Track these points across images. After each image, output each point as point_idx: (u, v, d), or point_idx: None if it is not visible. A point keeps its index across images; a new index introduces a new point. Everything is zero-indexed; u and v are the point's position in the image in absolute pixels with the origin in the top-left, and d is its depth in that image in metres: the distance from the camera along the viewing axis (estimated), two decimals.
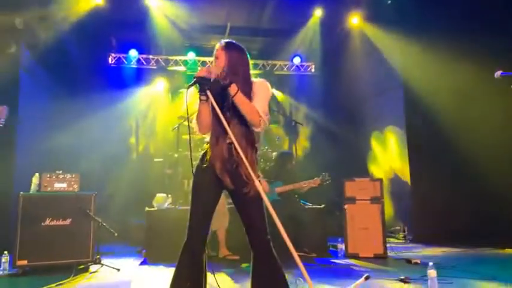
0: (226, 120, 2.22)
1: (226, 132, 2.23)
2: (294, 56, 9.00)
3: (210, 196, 2.41)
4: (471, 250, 5.44)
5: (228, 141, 2.30)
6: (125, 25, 7.66)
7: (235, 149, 2.19)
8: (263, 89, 2.41)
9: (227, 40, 2.49)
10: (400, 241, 6.55)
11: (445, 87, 6.23)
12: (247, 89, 2.35)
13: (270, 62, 9.08)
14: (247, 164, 2.14)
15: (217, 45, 2.45)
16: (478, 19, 6.15)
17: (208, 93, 2.26)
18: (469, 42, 5.86)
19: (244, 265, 4.58)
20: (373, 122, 7.99)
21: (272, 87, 9.08)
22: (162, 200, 5.47)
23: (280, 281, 2.35)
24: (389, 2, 7.07)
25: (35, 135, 6.13)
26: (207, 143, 2.42)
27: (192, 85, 2.30)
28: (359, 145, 8.31)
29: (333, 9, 7.55)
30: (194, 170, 2.40)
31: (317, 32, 8.08)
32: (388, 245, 5.13)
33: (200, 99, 2.33)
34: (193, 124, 2.45)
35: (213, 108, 2.29)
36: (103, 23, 7.23)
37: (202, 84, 2.27)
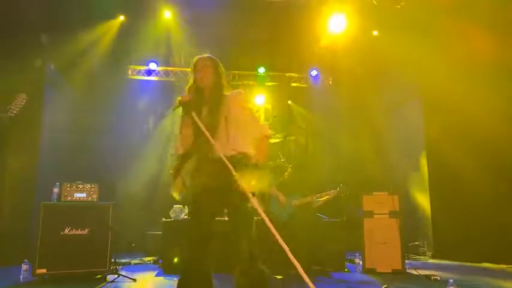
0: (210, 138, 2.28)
1: (211, 149, 2.28)
2: (312, 70, 9.01)
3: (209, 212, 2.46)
4: (494, 267, 5.27)
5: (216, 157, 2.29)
6: (145, 38, 7.83)
7: (225, 164, 2.20)
8: (245, 106, 2.51)
9: (207, 55, 2.63)
10: (420, 257, 6.40)
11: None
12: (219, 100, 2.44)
13: (287, 74, 9.11)
14: (236, 177, 2.16)
15: (198, 60, 2.60)
16: None
17: (194, 115, 2.34)
18: None
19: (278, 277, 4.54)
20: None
21: (289, 99, 9.23)
22: (178, 211, 5.50)
23: None
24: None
25: (57, 145, 6.29)
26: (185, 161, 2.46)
27: (176, 108, 2.42)
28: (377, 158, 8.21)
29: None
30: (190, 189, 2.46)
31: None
32: (407, 261, 5.01)
33: (184, 122, 2.44)
34: (176, 145, 2.52)
35: (197, 128, 2.34)
36: (123, 36, 7.42)
37: (188, 107, 2.38)
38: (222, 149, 2.27)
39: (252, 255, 2.36)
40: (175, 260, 4.97)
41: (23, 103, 3.43)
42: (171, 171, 2.49)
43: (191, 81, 2.59)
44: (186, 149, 2.45)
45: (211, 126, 2.34)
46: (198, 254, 2.44)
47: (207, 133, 2.27)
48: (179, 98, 2.42)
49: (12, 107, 3.37)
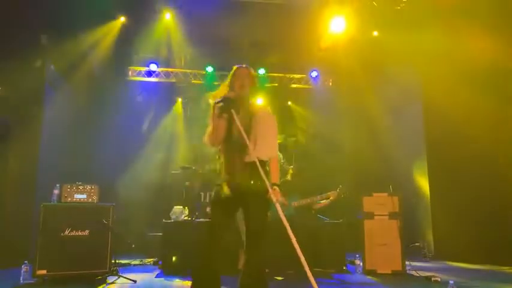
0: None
1: (243, 147, 2.43)
2: (312, 71, 9.02)
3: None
4: (494, 268, 5.26)
5: (246, 156, 2.49)
6: (145, 40, 7.83)
7: (253, 162, 2.38)
8: (270, 125, 2.69)
9: (246, 65, 2.81)
10: (420, 258, 6.39)
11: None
12: (255, 112, 2.65)
13: (287, 75, 9.12)
14: (264, 176, 2.31)
15: (239, 69, 2.77)
16: None
17: (233, 112, 2.50)
18: None
19: (278, 278, 4.54)
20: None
21: (289, 100, 9.24)
22: (178, 212, 5.50)
23: None
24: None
25: (57, 146, 6.29)
26: (219, 157, 2.65)
27: (220, 102, 2.55)
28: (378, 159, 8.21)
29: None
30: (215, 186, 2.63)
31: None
32: (407, 262, 5.01)
33: (221, 116, 2.55)
34: (206, 137, 2.65)
35: (231, 126, 2.55)
36: (123, 37, 7.42)
37: (228, 103, 2.53)
38: (253, 152, 2.46)
39: (258, 258, 2.51)
40: (174, 259, 4.98)
41: None
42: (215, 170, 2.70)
43: (225, 87, 2.74)
44: (217, 142, 2.61)
45: (245, 130, 2.49)
46: (212, 253, 2.53)
47: (244, 134, 2.41)
48: (225, 95, 2.59)
49: None
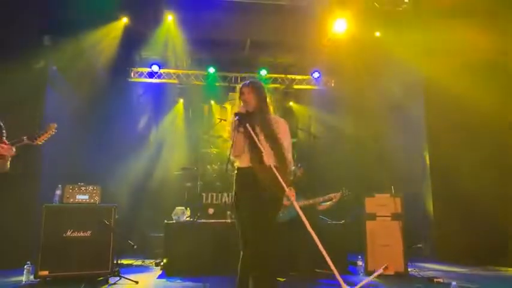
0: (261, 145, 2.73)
1: (261, 156, 2.70)
2: (314, 71, 9.01)
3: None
4: (497, 270, 5.24)
5: (268, 162, 2.70)
6: (147, 41, 7.84)
7: (272, 168, 2.62)
8: (287, 133, 2.98)
9: (249, 81, 3.04)
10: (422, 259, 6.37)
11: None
12: (268, 122, 2.88)
13: (289, 76, 9.12)
14: (281, 180, 2.56)
15: (241, 88, 2.99)
16: None
17: (248, 126, 2.76)
18: None
19: (281, 279, 4.53)
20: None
21: (291, 101, 9.24)
22: (180, 213, 5.49)
23: None
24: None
25: (59, 147, 6.28)
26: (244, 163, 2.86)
27: (236, 118, 2.82)
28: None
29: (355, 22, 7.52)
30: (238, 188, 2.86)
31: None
32: (409, 263, 4.99)
33: (238, 131, 2.80)
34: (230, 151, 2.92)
35: (248, 136, 2.79)
36: (125, 38, 7.43)
37: (242, 119, 2.79)
38: (269, 159, 2.69)
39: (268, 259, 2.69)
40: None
41: (53, 132, 3.45)
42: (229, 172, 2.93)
43: (238, 103, 3.02)
44: (238, 154, 2.85)
45: (265, 140, 2.79)
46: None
47: (259, 145, 2.70)
48: (236, 110, 2.88)
49: (39, 137, 3.36)
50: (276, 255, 3.02)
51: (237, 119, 2.80)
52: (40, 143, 3.38)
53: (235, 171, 2.95)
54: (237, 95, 3.08)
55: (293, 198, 2.67)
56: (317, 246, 4.79)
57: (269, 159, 2.69)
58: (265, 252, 2.67)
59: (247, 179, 2.82)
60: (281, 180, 2.56)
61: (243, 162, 2.87)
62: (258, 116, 2.88)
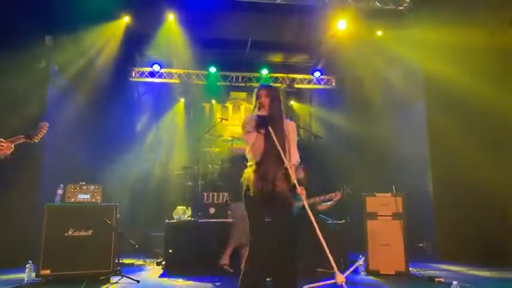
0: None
1: (277, 155, 2.84)
2: (315, 71, 9.00)
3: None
4: (498, 269, 5.23)
5: (284, 164, 2.88)
6: (148, 40, 7.85)
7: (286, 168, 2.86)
8: (295, 134, 3.13)
9: (266, 84, 3.22)
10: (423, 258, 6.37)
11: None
12: (281, 125, 3.00)
13: (290, 75, 9.11)
14: (294, 180, 2.79)
15: (258, 91, 3.11)
16: None
17: (270, 129, 2.88)
18: None
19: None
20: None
21: (292, 100, 9.24)
22: (181, 212, 5.50)
23: None
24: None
25: (61, 147, 6.30)
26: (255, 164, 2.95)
27: (255, 120, 2.97)
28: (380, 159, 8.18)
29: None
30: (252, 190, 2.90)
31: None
32: (410, 262, 4.99)
33: (258, 132, 2.94)
34: (248, 152, 3.02)
35: (267, 138, 2.92)
36: (127, 38, 7.44)
37: (263, 122, 2.94)
38: (287, 161, 2.87)
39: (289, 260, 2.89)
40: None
41: (46, 131, 3.51)
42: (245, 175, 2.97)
43: (255, 104, 3.13)
44: (257, 155, 2.95)
45: (280, 143, 2.89)
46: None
47: (279, 147, 2.83)
48: (256, 113, 3.03)
49: (36, 135, 3.43)
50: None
51: (259, 121, 2.95)
52: (37, 141, 3.45)
53: (249, 168, 3.00)
54: (253, 97, 3.18)
55: (304, 197, 2.81)
56: (318, 246, 4.79)
57: (285, 160, 2.85)
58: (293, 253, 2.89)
59: (263, 180, 2.88)
60: (294, 180, 2.75)
61: (259, 161, 2.95)
62: (273, 119, 2.99)
